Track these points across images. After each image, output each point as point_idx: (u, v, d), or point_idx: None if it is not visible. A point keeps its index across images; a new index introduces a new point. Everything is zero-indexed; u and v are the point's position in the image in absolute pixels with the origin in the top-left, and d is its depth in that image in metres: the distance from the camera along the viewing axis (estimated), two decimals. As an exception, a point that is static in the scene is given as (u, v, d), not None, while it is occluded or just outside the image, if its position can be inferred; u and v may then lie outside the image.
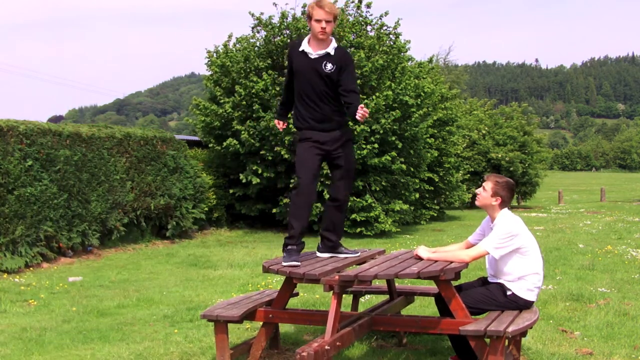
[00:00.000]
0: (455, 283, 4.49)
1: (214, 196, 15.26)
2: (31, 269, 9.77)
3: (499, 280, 4.64)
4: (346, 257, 4.87)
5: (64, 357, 5.24)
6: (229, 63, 15.42)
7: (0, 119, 10.00)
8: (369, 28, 16.35)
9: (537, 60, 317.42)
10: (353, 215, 14.43)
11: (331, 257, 4.91)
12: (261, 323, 4.83)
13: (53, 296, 7.83)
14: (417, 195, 16.55)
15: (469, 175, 24.55)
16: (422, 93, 15.86)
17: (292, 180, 14.50)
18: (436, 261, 4.52)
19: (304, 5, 4.81)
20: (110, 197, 11.70)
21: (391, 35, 16.22)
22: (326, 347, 3.91)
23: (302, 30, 14.84)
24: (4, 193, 9.48)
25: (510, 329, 4.05)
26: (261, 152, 14.86)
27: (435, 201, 19.81)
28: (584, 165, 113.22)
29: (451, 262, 4.45)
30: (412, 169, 16.27)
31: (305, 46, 4.79)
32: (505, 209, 4.69)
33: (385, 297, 5.53)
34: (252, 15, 16.03)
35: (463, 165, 22.41)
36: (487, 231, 4.76)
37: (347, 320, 4.48)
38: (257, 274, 9.16)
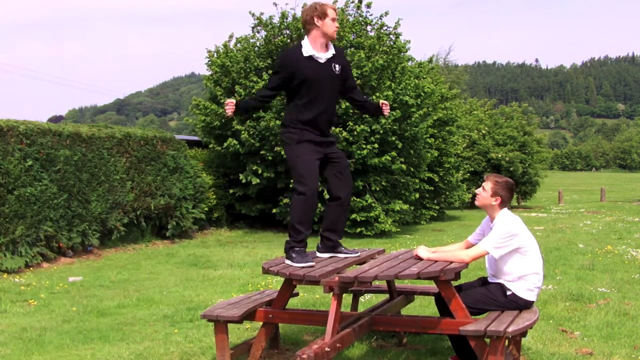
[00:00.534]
0: (455, 283, 4.49)
1: (214, 196, 15.26)
2: (31, 269, 9.77)
3: (499, 280, 4.64)
4: (346, 257, 4.83)
5: (64, 357, 5.24)
6: (229, 63, 15.42)
7: (0, 119, 10.00)
8: (369, 28, 16.35)
9: (537, 60, 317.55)
10: (353, 215, 14.43)
11: (331, 257, 4.87)
12: (261, 323, 4.83)
13: (53, 296, 7.83)
14: (417, 195, 16.55)
15: (469, 175, 24.54)
16: (422, 93, 15.86)
17: (292, 181, 14.46)
18: (436, 261, 4.51)
19: (304, 6, 4.77)
20: (110, 197, 11.70)
21: (391, 35, 16.22)
22: (326, 349, 3.91)
23: (302, 31, 14.83)
24: (4, 193, 9.48)
25: (510, 329, 4.05)
26: (261, 152, 14.86)
27: (435, 201, 19.81)
28: (584, 165, 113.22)
29: (451, 262, 4.45)
30: (412, 169, 16.27)
31: (311, 51, 4.68)
32: (505, 209, 4.69)
33: (385, 296, 5.54)
34: (253, 15, 16.05)
35: (463, 165, 22.41)
36: (486, 231, 4.76)
37: (347, 321, 4.48)
38: (257, 274, 9.15)
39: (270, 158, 14.75)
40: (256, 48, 15.78)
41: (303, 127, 4.70)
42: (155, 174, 12.97)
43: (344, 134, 14.30)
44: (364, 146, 14.33)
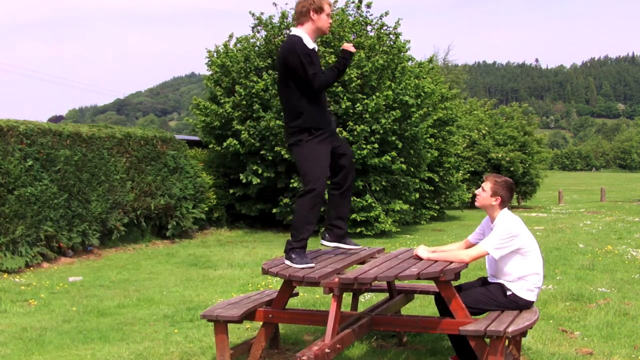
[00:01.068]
0: (455, 283, 4.49)
1: (214, 196, 15.26)
2: (31, 268, 9.77)
3: (499, 281, 4.64)
4: (350, 249, 4.93)
5: (64, 357, 5.24)
6: (229, 63, 15.42)
7: (0, 119, 10.00)
8: (369, 28, 16.36)
9: (537, 60, 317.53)
10: (353, 215, 14.43)
11: (335, 247, 4.92)
12: (261, 323, 4.83)
13: (53, 296, 7.83)
14: (417, 195, 16.55)
15: (469, 175, 24.53)
16: (422, 93, 15.86)
17: (292, 181, 14.48)
18: (436, 261, 4.51)
19: (295, 9, 4.77)
20: (110, 197, 11.70)
21: (391, 35, 16.22)
22: (326, 350, 3.91)
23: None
24: (4, 193, 9.48)
25: (510, 329, 4.05)
26: (261, 152, 14.86)
27: (435, 201, 19.81)
28: (584, 165, 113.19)
29: (451, 263, 4.44)
30: (412, 169, 16.27)
31: (312, 44, 4.66)
32: (505, 209, 4.69)
33: (385, 295, 5.53)
34: (253, 15, 16.06)
35: (463, 165, 22.41)
36: (487, 231, 4.76)
37: (347, 321, 4.48)
38: (257, 274, 9.16)
39: (270, 158, 14.75)
40: (256, 48, 15.79)
41: (318, 123, 4.63)
42: (155, 174, 12.98)
43: (344, 134, 14.30)
44: (364, 146, 14.33)
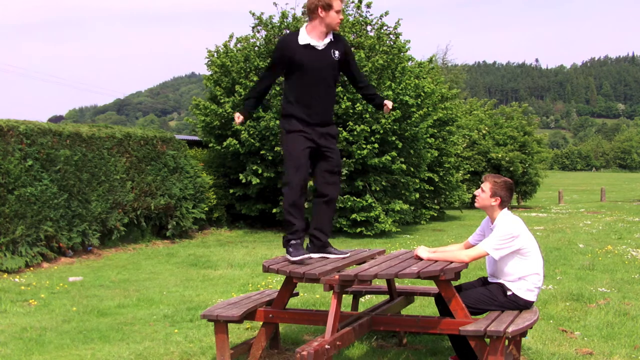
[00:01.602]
0: (455, 283, 4.49)
1: (214, 196, 15.26)
2: (31, 268, 9.77)
3: (499, 281, 4.64)
4: (337, 258, 4.77)
5: (64, 357, 5.24)
6: (229, 63, 15.43)
7: (0, 119, 10.00)
8: (369, 28, 16.36)
9: (537, 60, 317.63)
10: (353, 215, 14.44)
11: (321, 257, 4.81)
12: (261, 323, 4.84)
13: (53, 296, 7.83)
14: (417, 195, 16.56)
15: (469, 175, 24.54)
16: (422, 93, 15.86)
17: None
18: (436, 261, 4.52)
19: (305, 6, 4.81)
20: (110, 197, 11.70)
21: (391, 35, 16.22)
22: (326, 346, 3.91)
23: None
24: (4, 193, 9.48)
25: (510, 329, 4.05)
26: (261, 152, 14.86)
27: (435, 201, 19.82)
28: (584, 165, 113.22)
29: (451, 262, 4.45)
30: (412, 169, 16.27)
31: (308, 39, 4.66)
32: (505, 210, 4.69)
33: (386, 297, 5.54)
34: (253, 14, 16.06)
35: (463, 165, 22.41)
36: (487, 232, 4.76)
37: (347, 320, 4.48)
38: (257, 274, 9.16)
39: (270, 158, 14.75)
40: (256, 48, 15.80)
41: (295, 116, 4.69)
42: (155, 174, 12.97)
43: (344, 134, 14.31)
44: (364, 146, 14.33)
